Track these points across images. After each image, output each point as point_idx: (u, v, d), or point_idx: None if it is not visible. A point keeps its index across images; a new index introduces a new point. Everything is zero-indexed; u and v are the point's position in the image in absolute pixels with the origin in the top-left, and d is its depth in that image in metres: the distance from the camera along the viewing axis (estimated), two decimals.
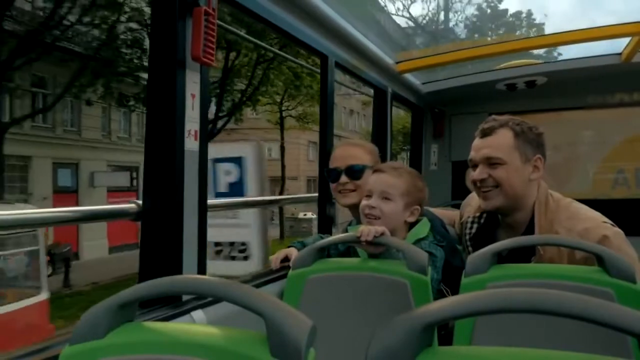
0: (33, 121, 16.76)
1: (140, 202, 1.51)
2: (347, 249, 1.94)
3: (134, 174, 19.38)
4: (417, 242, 1.77)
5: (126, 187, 18.97)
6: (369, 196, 1.83)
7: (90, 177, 18.46)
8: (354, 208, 2.07)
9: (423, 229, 1.84)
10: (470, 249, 1.94)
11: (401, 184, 1.80)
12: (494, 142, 1.78)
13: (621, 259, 1.34)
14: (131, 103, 17.86)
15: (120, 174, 19.13)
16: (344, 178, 2.08)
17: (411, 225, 1.85)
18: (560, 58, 3.64)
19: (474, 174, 1.83)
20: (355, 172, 2.06)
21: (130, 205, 1.51)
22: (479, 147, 1.82)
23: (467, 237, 1.98)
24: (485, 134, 1.82)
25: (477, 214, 1.98)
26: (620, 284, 1.30)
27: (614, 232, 1.66)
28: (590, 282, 1.32)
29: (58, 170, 17.61)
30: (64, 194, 17.41)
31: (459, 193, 3.97)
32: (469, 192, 2.22)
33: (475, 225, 1.98)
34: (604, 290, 1.29)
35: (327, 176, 2.19)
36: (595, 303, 0.65)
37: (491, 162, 1.77)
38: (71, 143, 17.99)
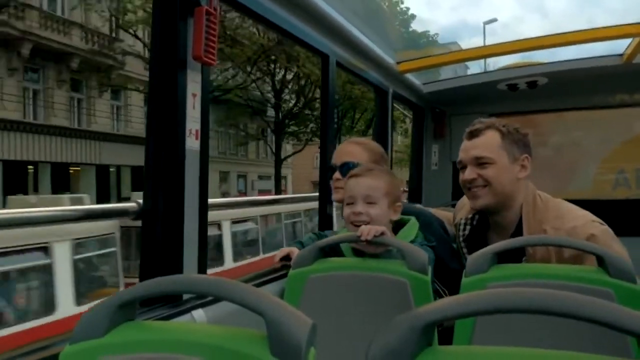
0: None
1: (140, 201, 1.51)
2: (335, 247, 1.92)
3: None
4: None
5: (267, 189, 28.36)
6: (351, 203, 1.78)
7: (252, 183, 29.69)
8: None
9: (411, 230, 1.83)
10: (464, 250, 1.96)
11: (382, 184, 1.78)
12: (482, 143, 1.82)
13: (622, 259, 1.34)
14: (267, 136, 27.87)
15: (266, 181, 29.48)
16: (337, 174, 2.11)
17: (399, 226, 1.85)
18: (560, 59, 3.64)
19: (463, 175, 1.86)
20: (346, 170, 2.05)
21: (130, 204, 1.51)
22: (468, 149, 1.86)
23: (461, 238, 2.00)
24: (473, 135, 1.86)
25: (470, 216, 2.00)
26: (620, 284, 1.30)
27: (602, 230, 1.67)
28: (590, 282, 1.32)
29: (238, 179, 28.89)
30: (241, 194, 27.58)
31: (460, 193, 3.94)
32: None
33: (468, 227, 2.00)
34: (604, 291, 1.29)
35: (328, 173, 2.24)
36: (596, 303, 0.65)
37: (480, 162, 1.81)
38: (244, 162, 29.09)
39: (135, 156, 18.34)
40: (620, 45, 3.24)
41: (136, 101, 21.25)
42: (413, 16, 23.86)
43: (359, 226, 1.69)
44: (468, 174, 1.83)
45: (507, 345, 0.73)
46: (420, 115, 4.14)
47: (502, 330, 1.22)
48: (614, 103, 3.72)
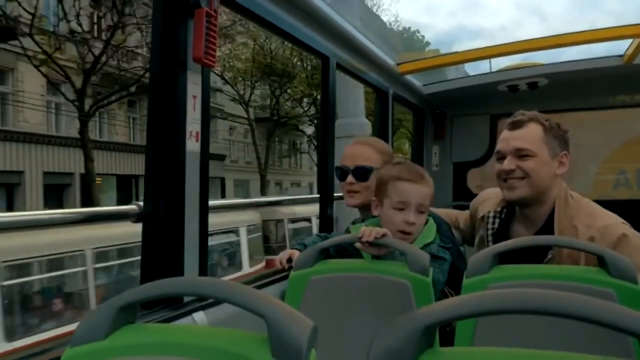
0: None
1: (141, 203, 1.51)
2: (348, 248, 1.93)
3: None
4: (426, 246, 1.74)
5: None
6: (402, 209, 1.72)
7: (286, 190, 32.30)
8: (361, 208, 2.07)
9: (430, 232, 1.82)
10: (490, 244, 1.92)
11: (431, 192, 1.76)
12: (525, 135, 1.81)
13: (623, 259, 1.34)
14: (298, 148, 32.90)
15: (296, 187, 33.27)
16: (350, 178, 2.03)
17: None
18: (561, 60, 3.66)
19: (501, 165, 1.84)
20: (362, 174, 2.01)
21: (130, 206, 1.50)
22: (509, 139, 1.83)
23: (490, 232, 1.97)
24: (515, 126, 1.84)
25: (498, 209, 1.98)
26: (621, 284, 1.29)
27: (633, 232, 1.68)
28: (591, 282, 1.32)
29: (275, 186, 31.48)
30: None
31: (460, 194, 3.96)
32: (470, 193, 2.22)
33: (497, 220, 1.97)
34: (605, 291, 1.29)
35: (336, 174, 2.16)
36: (596, 304, 0.65)
37: (521, 154, 1.80)
38: (280, 172, 32.33)
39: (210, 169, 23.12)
40: (621, 47, 3.24)
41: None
42: (428, 43, 25.60)
43: (408, 233, 1.70)
44: (507, 164, 1.81)
45: (509, 346, 0.73)
46: (421, 117, 4.14)
47: (503, 331, 1.22)
48: (615, 104, 3.72)
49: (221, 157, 26.05)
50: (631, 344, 1.18)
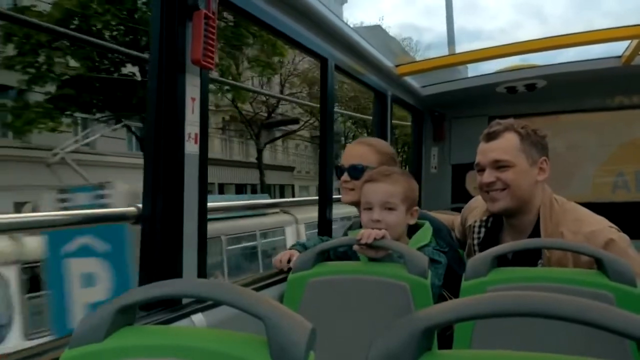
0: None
1: (140, 205, 1.50)
2: (346, 251, 1.94)
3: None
4: (420, 249, 1.75)
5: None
6: (368, 209, 1.78)
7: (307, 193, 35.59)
8: (356, 205, 2.09)
9: (425, 235, 1.82)
10: (477, 254, 1.92)
11: (400, 190, 1.77)
12: (501, 145, 1.80)
13: (621, 262, 1.34)
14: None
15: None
16: (345, 176, 2.11)
17: (412, 230, 1.84)
18: (559, 61, 3.65)
19: (481, 178, 1.83)
20: (355, 172, 2.07)
21: (129, 208, 1.50)
22: (486, 151, 1.83)
23: (476, 241, 1.97)
24: (491, 137, 1.83)
25: (484, 218, 1.97)
26: (620, 287, 1.29)
27: (620, 236, 1.67)
28: (590, 285, 1.32)
29: (285, 188, 34.00)
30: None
31: (459, 196, 3.96)
32: (469, 195, 2.22)
33: (483, 230, 1.97)
34: (603, 294, 1.29)
35: (335, 172, 2.25)
36: (594, 306, 0.65)
37: (499, 165, 1.79)
38: (301, 177, 34.76)
39: (279, 177, 30.54)
40: (619, 48, 3.24)
41: (279, 143, 31.87)
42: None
43: None
44: (487, 177, 1.81)
45: (507, 349, 0.73)
46: (420, 118, 4.14)
47: (502, 333, 1.22)
48: (613, 105, 3.72)
49: (291, 169, 32.95)
50: (629, 347, 1.18)
